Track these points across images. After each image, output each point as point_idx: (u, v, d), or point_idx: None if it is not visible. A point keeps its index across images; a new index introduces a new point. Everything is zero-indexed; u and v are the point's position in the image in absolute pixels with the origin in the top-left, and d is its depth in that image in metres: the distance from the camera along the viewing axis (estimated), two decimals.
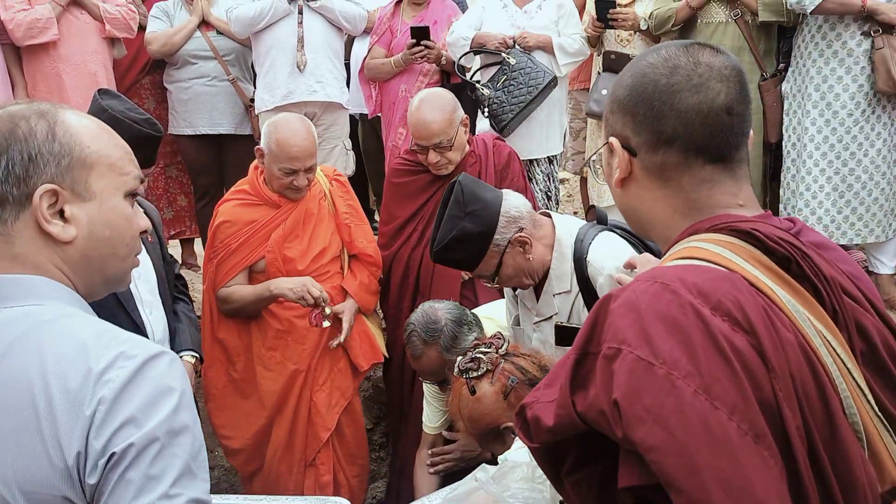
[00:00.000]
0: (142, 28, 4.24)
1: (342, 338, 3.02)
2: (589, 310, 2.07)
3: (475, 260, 2.25)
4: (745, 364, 0.94)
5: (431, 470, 2.73)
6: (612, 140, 1.15)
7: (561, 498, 1.23)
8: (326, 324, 2.89)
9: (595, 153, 1.29)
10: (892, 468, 1.05)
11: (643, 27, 3.97)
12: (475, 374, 2.00)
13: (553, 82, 3.79)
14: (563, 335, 2.21)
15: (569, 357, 1.05)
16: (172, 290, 2.72)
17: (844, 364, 1.03)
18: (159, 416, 0.96)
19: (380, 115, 4.22)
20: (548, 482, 1.48)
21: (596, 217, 2.33)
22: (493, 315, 2.73)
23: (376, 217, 4.38)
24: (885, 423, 1.05)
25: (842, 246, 3.92)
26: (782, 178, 3.88)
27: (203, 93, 4.21)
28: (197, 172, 4.42)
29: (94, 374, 0.97)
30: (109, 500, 0.94)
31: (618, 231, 2.25)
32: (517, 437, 1.65)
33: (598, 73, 4.11)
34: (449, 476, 2.67)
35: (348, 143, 4.31)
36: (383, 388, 3.73)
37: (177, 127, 4.29)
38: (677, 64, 1.10)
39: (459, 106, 3.07)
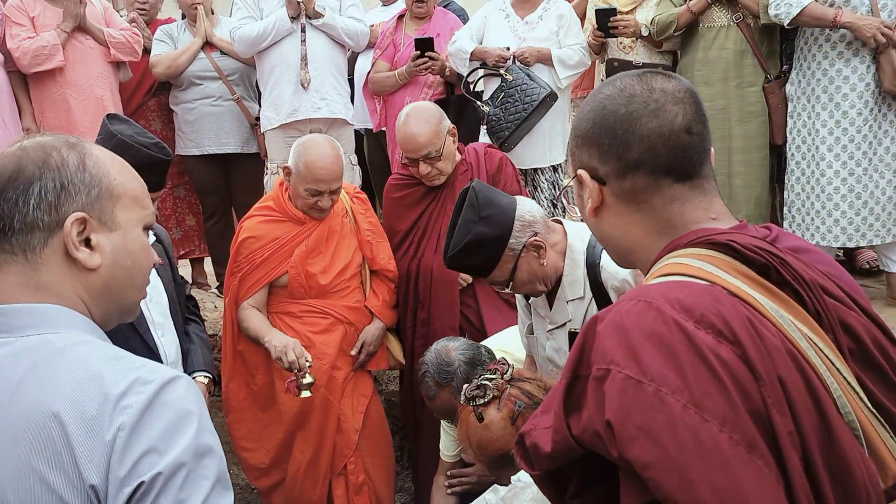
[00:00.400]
0: (147, 51, 4.28)
1: (362, 358, 3.13)
2: None
3: (490, 265, 2.24)
4: (732, 375, 0.96)
5: (449, 490, 2.74)
6: (581, 172, 1.19)
7: None
8: (305, 394, 2.79)
9: (566, 186, 1.32)
10: (893, 463, 1.06)
11: (644, 33, 3.97)
12: (482, 401, 1.98)
13: (550, 97, 3.79)
14: None
15: (561, 381, 1.07)
16: (184, 311, 2.73)
17: (833, 364, 1.04)
18: (184, 442, 0.98)
19: (384, 128, 4.23)
20: None
21: None
22: (507, 347, 2.71)
23: None
24: (881, 419, 1.06)
25: (858, 247, 3.95)
26: (787, 181, 3.87)
27: (209, 113, 4.24)
28: (204, 192, 4.44)
29: (112, 400, 0.97)
30: None
31: None
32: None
33: (602, 81, 4.10)
34: (466, 496, 2.68)
35: (354, 158, 4.32)
36: (397, 402, 3.72)
37: (183, 147, 4.32)
38: (633, 93, 1.14)
39: (445, 117, 3.12)
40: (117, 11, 4.40)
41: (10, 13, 3.88)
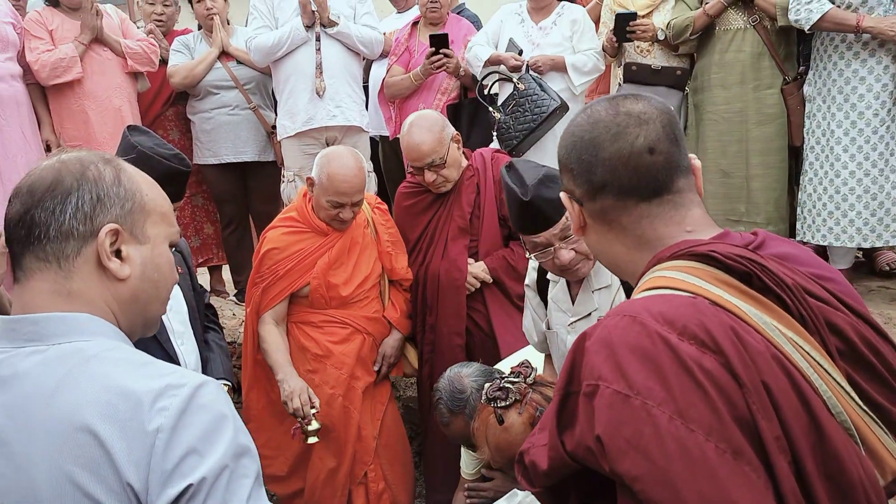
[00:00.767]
0: (164, 61, 4.32)
1: (384, 371, 3.17)
2: None
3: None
4: (716, 384, 0.98)
5: (468, 503, 2.74)
6: (562, 195, 1.28)
7: None
8: (312, 440, 2.81)
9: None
10: (891, 460, 1.07)
11: (661, 37, 3.96)
12: (503, 403, 1.97)
13: (560, 109, 3.78)
14: None
15: (554, 399, 1.10)
16: (203, 319, 2.74)
17: (821, 365, 1.06)
18: (224, 444, 1.01)
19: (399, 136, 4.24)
20: None
21: None
22: None
23: None
24: (875, 416, 1.07)
25: (875, 248, 3.91)
26: (801, 181, 3.84)
27: (226, 122, 4.27)
28: (222, 200, 4.47)
29: (146, 405, 1.00)
30: None
31: None
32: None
33: (619, 85, 4.10)
34: None
35: (369, 166, 4.33)
36: (415, 407, 3.72)
37: (201, 157, 4.35)
38: (598, 118, 1.20)
39: (449, 124, 3.14)
40: (134, 23, 4.43)
41: (28, 26, 3.92)
